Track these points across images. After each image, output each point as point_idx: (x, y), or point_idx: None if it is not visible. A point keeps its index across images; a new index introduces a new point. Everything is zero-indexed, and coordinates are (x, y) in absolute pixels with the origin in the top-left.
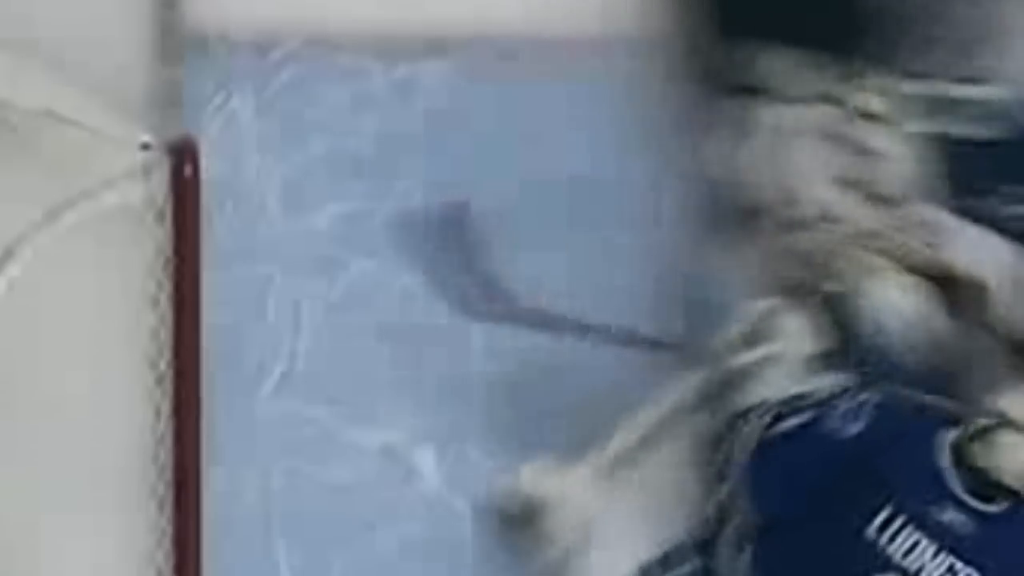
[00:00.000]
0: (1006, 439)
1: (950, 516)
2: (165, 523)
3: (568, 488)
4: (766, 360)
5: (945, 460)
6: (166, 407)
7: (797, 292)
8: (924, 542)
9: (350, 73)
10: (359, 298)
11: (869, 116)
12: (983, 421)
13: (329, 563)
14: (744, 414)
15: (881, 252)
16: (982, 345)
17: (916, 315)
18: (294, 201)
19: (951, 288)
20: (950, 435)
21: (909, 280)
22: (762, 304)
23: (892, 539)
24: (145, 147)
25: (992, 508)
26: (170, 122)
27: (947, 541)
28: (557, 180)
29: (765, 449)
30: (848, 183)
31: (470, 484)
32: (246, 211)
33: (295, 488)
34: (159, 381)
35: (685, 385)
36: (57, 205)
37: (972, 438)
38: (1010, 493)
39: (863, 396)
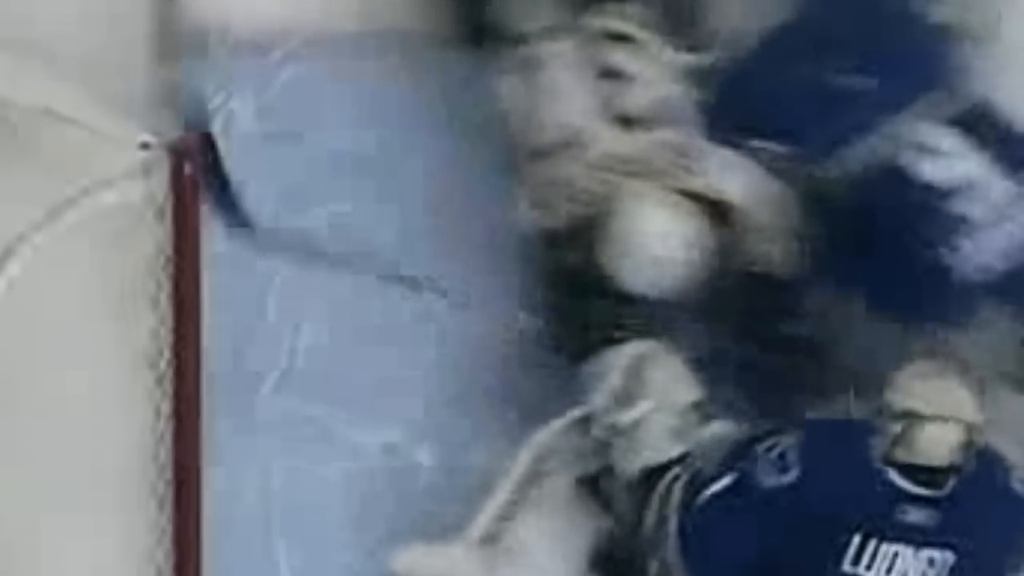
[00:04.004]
0: (921, 434)
1: (912, 514)
2: (165, 523)
3: (442, 570)
4: (643, 420)
5: (886, 468)
6: (166, 407)
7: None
8: (900, 549)
9: (350, 73)
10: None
11: (616, 38)
12: (895, 427)
13: (329, 563)
14: (647, 480)
15: (633, 175)
16: (735, 264)
17: (673, 235)
18: (294, 201)
19: (705, 208)
20: (875, 442)
21: (665, 199)
22: (629, 352)
23: (870, 565)
24: (145, 147)
25: (942, 491)
26: (170, 122)
27: (921, 537)
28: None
29: (696, 519)
30: (597, 107)
31: (468, 483)
32: (246, 211)
33: (295, 488)
34: (159, 381)
35: (546, 442)
36: (57, 205)
37: (894, 444)
38: (950, 470)
39: (783, 443)
